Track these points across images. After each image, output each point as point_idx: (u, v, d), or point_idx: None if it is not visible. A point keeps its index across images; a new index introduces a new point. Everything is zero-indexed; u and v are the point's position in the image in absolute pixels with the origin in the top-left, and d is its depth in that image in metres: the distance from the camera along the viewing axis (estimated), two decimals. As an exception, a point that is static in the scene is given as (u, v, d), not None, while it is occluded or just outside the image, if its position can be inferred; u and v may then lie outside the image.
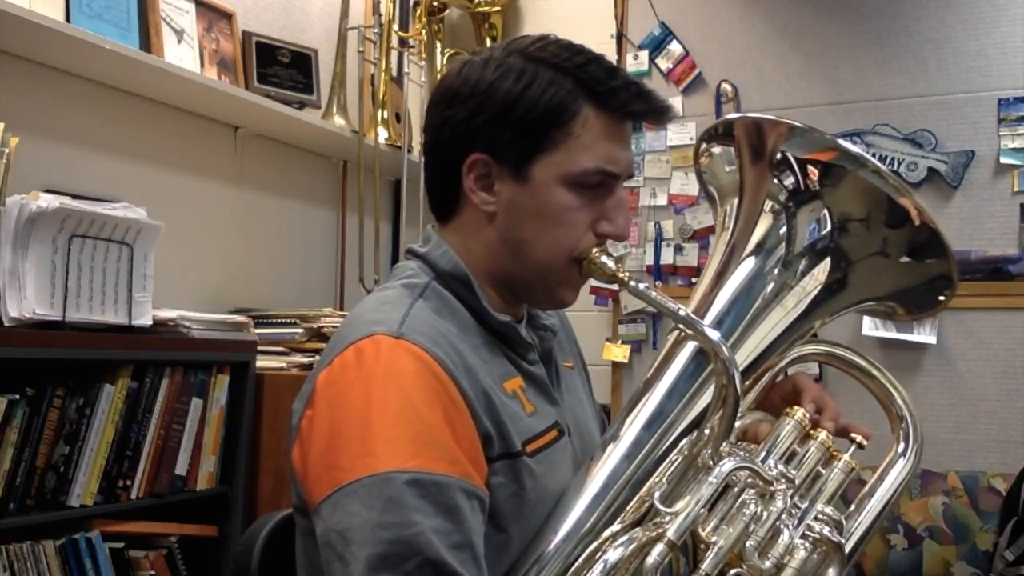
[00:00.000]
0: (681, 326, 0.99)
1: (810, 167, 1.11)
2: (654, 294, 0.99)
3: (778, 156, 1.12)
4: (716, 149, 1.21)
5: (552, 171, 1.01)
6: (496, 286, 1.07)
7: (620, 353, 3.16)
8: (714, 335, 0.95)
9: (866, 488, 1.16)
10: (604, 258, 1.02)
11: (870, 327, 2.68)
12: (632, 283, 1.01)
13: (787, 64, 3.09)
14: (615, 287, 1.08)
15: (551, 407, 1.08)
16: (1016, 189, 2.79)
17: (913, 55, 2.93)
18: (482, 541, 0.91)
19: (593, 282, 1.22)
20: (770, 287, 1.10)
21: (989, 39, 2.85)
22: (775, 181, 1.12)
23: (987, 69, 2.84)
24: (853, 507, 1.14)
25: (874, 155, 2.90)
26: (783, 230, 1.12)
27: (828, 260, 1.11)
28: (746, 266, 1.12)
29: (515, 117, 1.00)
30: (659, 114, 1.04)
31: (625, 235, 1.05)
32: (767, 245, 1.12)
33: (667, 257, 3.13)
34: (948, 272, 1.12)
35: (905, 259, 1.12)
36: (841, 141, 1.10)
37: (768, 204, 1.13)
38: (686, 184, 3.16)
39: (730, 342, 1.05)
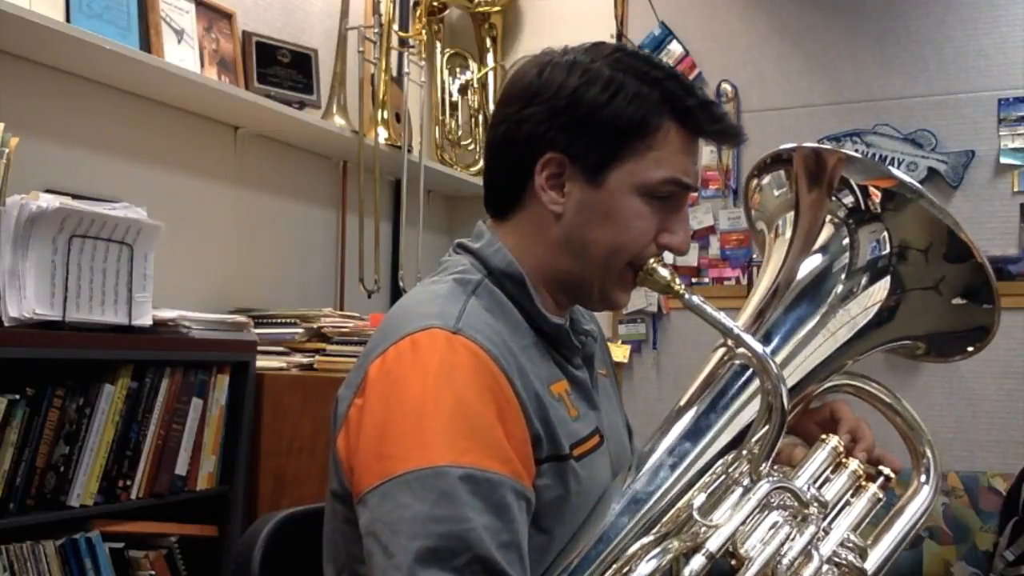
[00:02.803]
0: (731, 342, 1.00)
1: (871, 189, 1.11)
2: (708, 308, 0.99)
3: (837, 182, 1.13)
4: (765, 179, 1.21)
5: (628, 179, 1.02)
6: (549, 287, 1.07)
7: (620, 353, 3.16)
8: (765, 353, 0.95)
9: (884, 521, 1.16)
10: (661, 269, 1.03)
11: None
12: (686, 296, 1.01)
13: (787, 64, 3.09)
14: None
15: (593, 412, 1.09)
16: (1016, 189, 2.79)
17: (913, 55, 2.93)
18: (527, 542, 0.91)
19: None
20: (822, 311, 1.10)
21: (989, 39, 2.85)
22: (834, 198, 1.13)
23: (987, 69, 2.84)
24: (871, 540, 1.13)
25: (874, 155, 2.90)
26: (844, 241, 1.12)
27: (881, 285, 1.11)
28: (800, 287, 1.12)
29: (600, 123, 1.01)
30: (732, 137, 1.07)
31: (685, 249, 1.07)
32: (824, 263, 1.12)
33: (667, 257, 3.12)
34: (990, 324, 1.12)
35: (957, 300, 1.12)
36: (899, 173, 1.10)
37: (827, 217, 1.14)
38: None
39: (778, 361, 1.04)
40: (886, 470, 1.13)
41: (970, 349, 1.16)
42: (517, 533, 0.89)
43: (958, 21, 2.89)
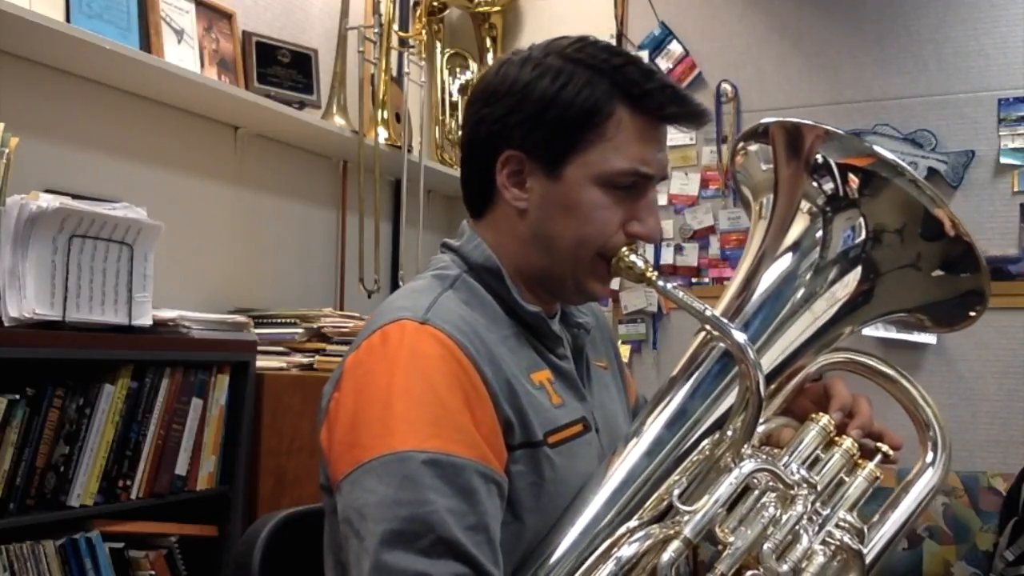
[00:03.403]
0: (708, 327, 0.99)
1: (849, 174, 1.10)
2: (681, 294, 0.99)
3: (815, 159, 1.12)
4: (752, 147, 1.20)
5: (585, 171, 1.02)
6: (527, 281, 1.08)
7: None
8: (740, 337, 0.95)
9: (891, 498, 1.15)
10: (633, 257, 1.03)
11: (871, 327, 2.68)
12: (660, 283, 1.02)
13: (787, 64, 3.09)
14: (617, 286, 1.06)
15: (578, 402, 1.09)
16: (1016, 189, 2.79)
17: (913, 55, 2.93)
18: (499, 526, 0.92)
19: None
20: (800, 292, 1.10)
21: (989, 39, 2.85)
22: (813, 184, 1.12)
23: (987, 69, 2.84)
24: (876, 517, 1.12)
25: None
26: (819, 234, 1.11)
27: (860, 269, 1.10)
28: (777, 269, 1.11)
29: (550, 116, 1.02)
30: (695, 118, 1.06)
31: (655, 237, 1.06)
32: (801, 248, 1.11)
33: (667, 257, 3.13)
34: (980, 288, 1.10)
35: (937, 272, 1.11)
36: (879, 148, 1.09)
37: (805, 205, 1.12)
38: (686, 184, 3.16)
39: (757, 346, 1.04)
40: (884, 447, 1.11)
41: (972, 314, 1.14)
42: (485, 516, 0.90)
43: (958, 21, 2.89)
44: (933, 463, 1.16)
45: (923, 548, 2.59)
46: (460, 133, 1.14)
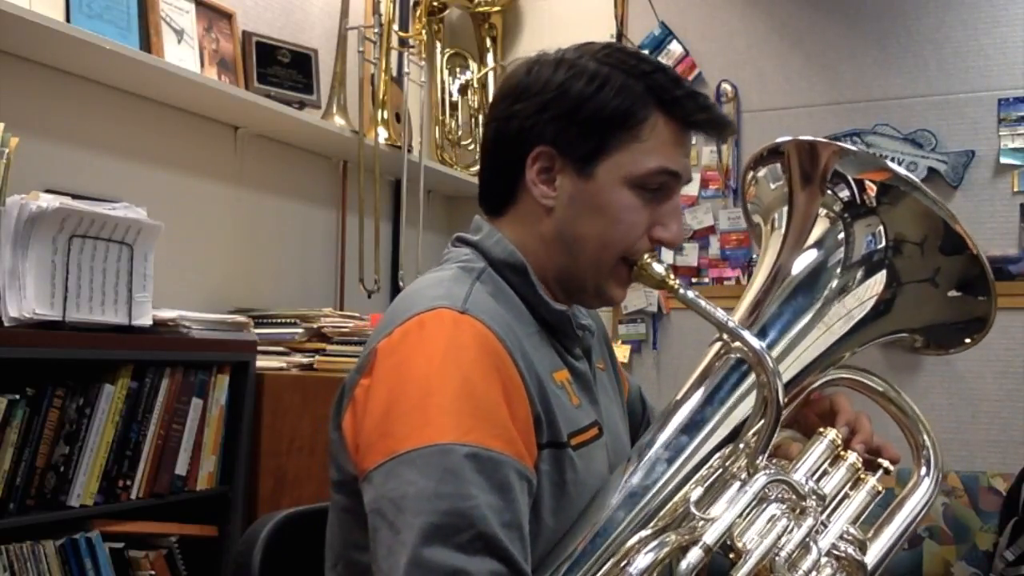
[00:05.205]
0: (727, 336, 0.99)
1: (867, 184, 1.11)
2: (703, 303, 0.99)
3: (830, 174, 1.13)
4: (761, 172, 1.21)
5: (617, 171, 1.02)
6: (546, 281, 1.08)
7: (620, 353, 3.16)
8: (759, 346, 0.96)
9: (885, 514, 1.16)
10: (656, 264, 1.04)
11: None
12: (681, 291, 1.02)
13: (787, 64, 3.09)
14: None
15: (592, 405, 1.09)
16: (1016, 189, 2.79)
17: (913, 55, 2.93)
18: (527, 524, 0.91)
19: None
20: (817, 305, 1.10)
21: (989, 39, 2.85)
22: (829, 192, 1.13)
23: (987, 69, 2.85)
24: (871, 533, 1.13)
25: (873, 155, 2.91)
26: (840, 235, 1.12)
27: (878, 279, 1.11)
28: (795, 280, 1.12)
29: (586, 115, 1.02)
30: (721, 126, 1.07)
31: (678, 242, 1.07)
32: (820, 257, 1.12)
33: (667, 257, 3.13)
34: (987, 315, 1.12)
35: (953, 292, 1.12)
36: (894, 165, 1.10)
37: (823, 212, 1.13)
38: (686, 184, 3.16)
39: (774, 355, 1.04)
40: (884, 462, 1.13)
41: (968, 340, 1.16)
42: (518, 513, 0.89)
43: (958, 21, 2.89)
44: (927, 477, 1.18)
45: (923, 548, 2.60)
46: (483, 131, 1.12)
